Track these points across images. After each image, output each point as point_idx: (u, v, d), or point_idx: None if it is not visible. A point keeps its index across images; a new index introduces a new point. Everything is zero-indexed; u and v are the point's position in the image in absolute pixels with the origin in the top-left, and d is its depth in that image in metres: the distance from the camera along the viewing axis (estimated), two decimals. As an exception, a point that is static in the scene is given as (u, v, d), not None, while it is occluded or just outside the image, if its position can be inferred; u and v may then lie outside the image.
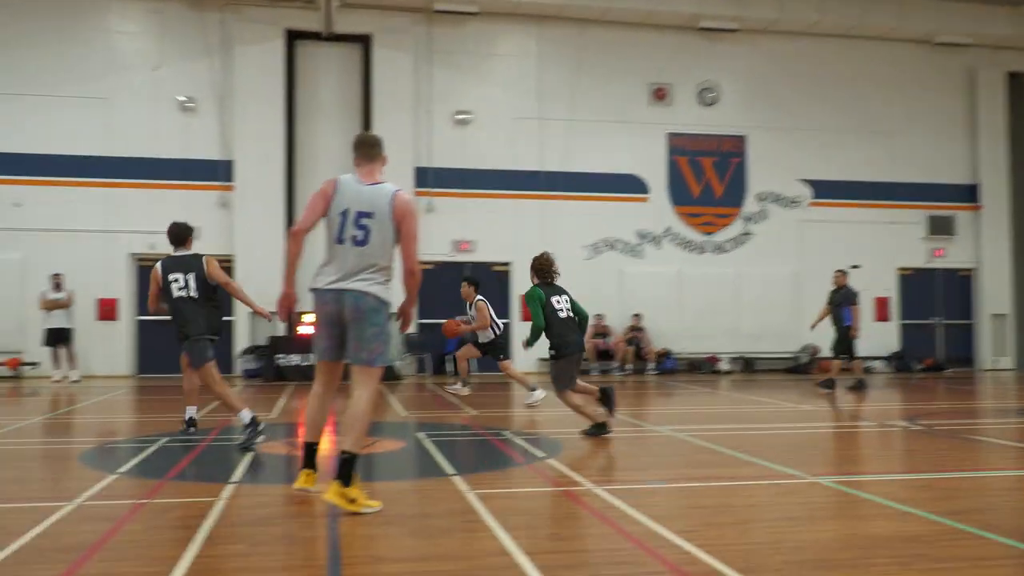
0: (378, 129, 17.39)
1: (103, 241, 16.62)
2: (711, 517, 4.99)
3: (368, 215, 4.92)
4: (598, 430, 8.09)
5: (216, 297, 7.85)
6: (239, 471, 6.33)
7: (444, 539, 4.49)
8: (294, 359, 16.00)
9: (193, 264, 7.76)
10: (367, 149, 5.13)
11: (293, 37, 17.38)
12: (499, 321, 11.93)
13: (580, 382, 8.26)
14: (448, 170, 18.02)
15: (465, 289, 11.98)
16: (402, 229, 4.99)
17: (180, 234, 7.91)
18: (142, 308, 16.82)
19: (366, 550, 4.33)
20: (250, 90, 16.99)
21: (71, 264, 16.11)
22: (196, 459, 7.05)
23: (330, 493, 4.89)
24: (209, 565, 4.01)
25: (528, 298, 8.20)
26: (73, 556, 4.11)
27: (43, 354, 15.84)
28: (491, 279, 18.18)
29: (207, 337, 7.73)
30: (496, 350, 11.83)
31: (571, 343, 8.14)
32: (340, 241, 4.93)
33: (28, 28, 16.73)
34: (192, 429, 8.39)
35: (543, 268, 8.35)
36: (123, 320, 16.84)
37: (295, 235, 4.99)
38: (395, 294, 5.01)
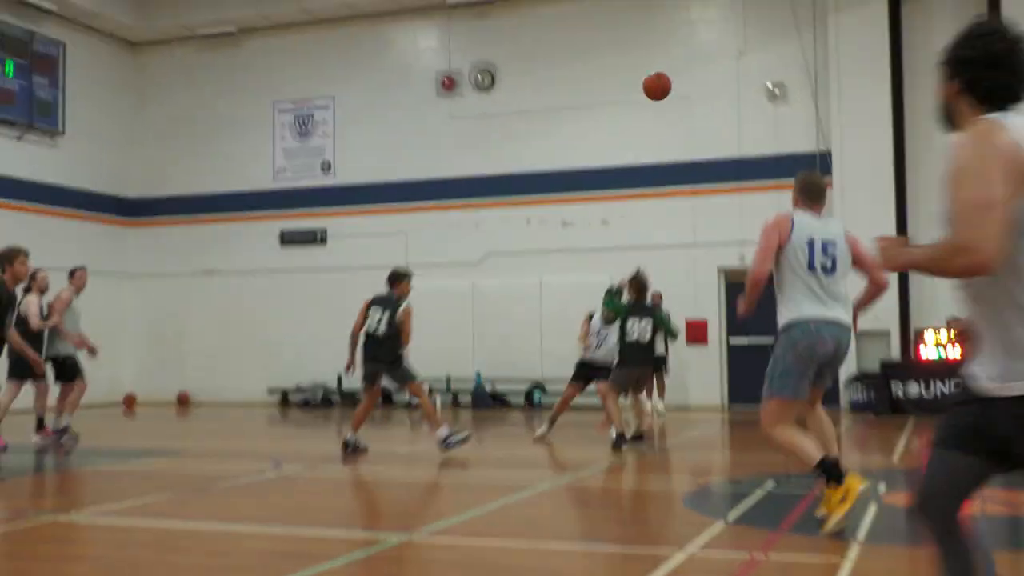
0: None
1: (689, 255, 17.77)
2: None
3: (833, 244, 5.96)
4: (618, 441, 10.44)
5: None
6: (864, 527, 6.25)
7: None
8: (914, 389, 15.43)
9: (391, 305, 10.45)
10: (819, 195, 6.18)
11: (898, -6, 16.90)
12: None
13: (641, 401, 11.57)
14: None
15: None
16: (860, 251, 6.12)
17: (393, 277, 10.73)
18: (732, 328, 17.68)
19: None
20: (849, 65, 16.93)
21: (658, 282, 17.28)
22: (810, 509, 7.14)
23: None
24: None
25: (617, 309, 10.97)
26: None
27: (634, 381, 17.28)
28: None
29: (400, 360, 10.43)
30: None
31: (631, 360, 10.85)
32: (812, 268, 5.89)
33: (596, 36, 18.68)
34: (351, 450, 10.51)
35: (639, 287, 11.13)
36: (713, 343, 17.82)
37: (758, 283, 5.95)
38: None
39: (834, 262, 5.92)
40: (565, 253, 18.70)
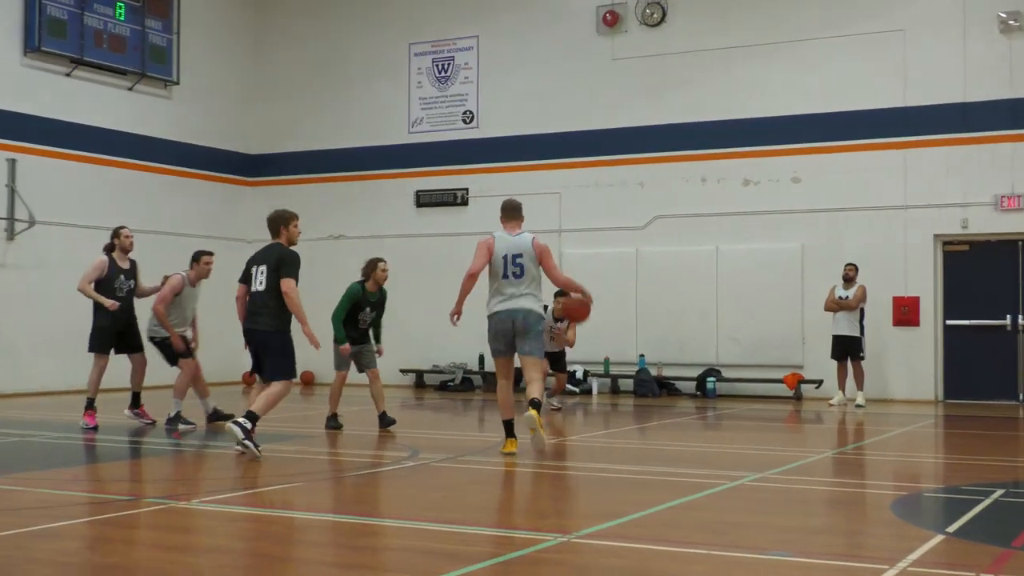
0: None
1: (900, 219, 17.37)
2: None
3: (519, 256, 9.67)
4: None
5: None
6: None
7: None
8: None
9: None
10: (514, 212, 10.00)
11: None
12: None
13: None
14: None
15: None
16: (543, 262, 9.84)
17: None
18: (950, 311, 17.25)
19: None
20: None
21: (861, 250, 17.16)
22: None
23: (534, 418, 9.43)
24: None
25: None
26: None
27: (828, 369, 16.98)
28: None
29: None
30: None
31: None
32: (504, 276, 9.64)
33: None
34: None
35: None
36: (925, 327, 17.32)
37: (471, 277, 9.70)
38: None
39: (522, 269, 9.61)
40: (747, 216, 18.44)
